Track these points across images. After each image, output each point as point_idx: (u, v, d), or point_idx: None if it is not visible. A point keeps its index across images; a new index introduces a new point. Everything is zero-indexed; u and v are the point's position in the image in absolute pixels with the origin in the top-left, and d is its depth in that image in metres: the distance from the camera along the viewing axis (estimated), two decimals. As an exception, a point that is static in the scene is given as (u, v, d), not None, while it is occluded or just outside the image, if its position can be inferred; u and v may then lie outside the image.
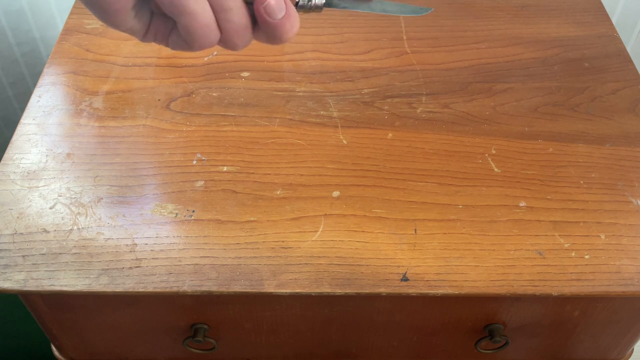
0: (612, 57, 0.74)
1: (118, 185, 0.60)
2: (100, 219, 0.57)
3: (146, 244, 0.56)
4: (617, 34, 0.77)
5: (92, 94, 0.68)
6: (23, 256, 0.54)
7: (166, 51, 0.73)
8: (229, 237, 0.56)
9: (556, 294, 0.54)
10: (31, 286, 0.53)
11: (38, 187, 0.59)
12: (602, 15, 0.80)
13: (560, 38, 0.76)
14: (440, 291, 0.53)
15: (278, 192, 0.60)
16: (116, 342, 0.64)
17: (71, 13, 0.78)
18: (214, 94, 0.69)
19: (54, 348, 0.67)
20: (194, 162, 0.62)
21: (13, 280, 0.53)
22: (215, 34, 0.36)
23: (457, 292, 0.54)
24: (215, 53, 0.73)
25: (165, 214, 0.58)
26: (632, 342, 0.65)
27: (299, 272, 0.54)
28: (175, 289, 0.53)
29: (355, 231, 0.57)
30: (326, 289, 0.53)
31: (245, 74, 0.71)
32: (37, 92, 0.68)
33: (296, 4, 0.38)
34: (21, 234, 0.56)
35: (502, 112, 0.68)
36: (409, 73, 0.71)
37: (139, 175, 0.61)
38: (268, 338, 0.63)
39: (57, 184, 0.60)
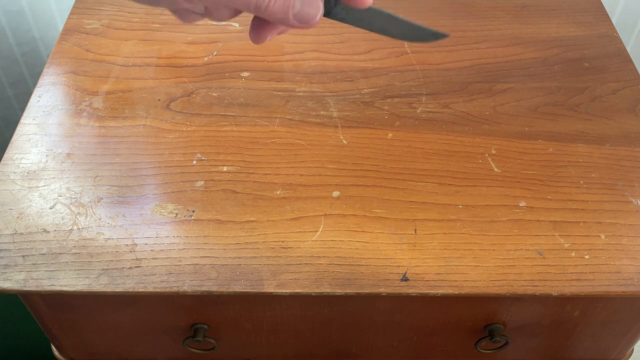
0: (612, 57, 0.74)
1: (118, 185, 0.60)
2: (100, 219, 0.57)
3: (146, 244, 0.56)
4: (617, 34, 0.77)
5: (92, 94, 0.68)
6: (23, 256, 0.54)
7: (166, 51, 0.73)
8: (229, 237, 0.56)
9: (556, 294, 0.54)
10: (31, 286, 0.53)
11: (38, 187, 0.59)
12: (602, 15, 0.80)
13: (560, 38, 0.76)
14: (440, 291, 0.53)
15: (278, 192, 0.60)
16: (116, 342, 0.64)
17: (71, 13, 0.78)
18: (214, 94, 0.69)
19: (54, 348, 0.67)
20: (194, 162, 0.62)
21: (13, 280, 0.53)
22: None
23: (457, 292, 0.54)
24: (215, 53, 0.73)
25: (165, 214, 0.58)
26: (632, 342, 0.65)
27: (299, 272, 0.54)
28: (175, 289, 0.53)
29: (355, 231, 0.57)
30: (326, 289, 0.53)
31: (245, 74, 0.71)
32: (37, 92, 0.68)
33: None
34: (21, 234, 0.56)
35: (502, 112, 0.68)
36: (409, 73, 0.71)
37: (139, 175, 0.61)
38: (268, 338, 0.63)
39: (57, 184, 0.60)
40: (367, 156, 0.63)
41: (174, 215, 0.58)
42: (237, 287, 0.53)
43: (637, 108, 0.69)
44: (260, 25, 0.40)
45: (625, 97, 0.70)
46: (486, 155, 0.63)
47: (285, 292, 0.53)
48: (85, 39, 0.74)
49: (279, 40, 0.74)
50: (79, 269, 0.54)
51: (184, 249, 0.55)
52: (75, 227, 0.56)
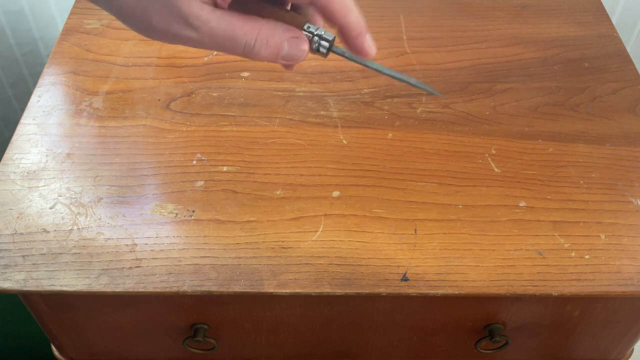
0: (612, 57, 0.74)
1: (118, 185, 0.60)
2: (100, 219, 0.57)
3: (146, 244, 0.56)
4: (617, 34, 0.77)
5: (92, 94, 0.68)
6: (23, 256, 0.54)
7: (166, 51, 0.73)
8: (229, 237, 0.56)
9: (556, 294, 0.54)
10: (31, 286, 0.53)
11: (38, 187, 0.59)
12: (602, 15, 0.80)
13: (560, 38, 0.76)
14: (440, 291, 0.53)
15: (278, 192, 0.60)
16: (116, 342, 0.64)
17: (71, 13, 0.78)
18: (214, 94, 0.69)
19: (54, 348, 0.67)
20: (194, 162, 0.62)
21: (13, 280, 0.53)
22: None
23: (457, 292, 0.54)
24: (215, 53, 0.73)
25: (165, 214, 0.58)
26: (632, 342, 0.65)
27: (299, 272, 0.54)
28: (175, 289, 0.53)
29: (355, 231, 0.57)
30: (326, 289, 0.53)
31: (245, 74, 0.71)
32: (37, 92, 0.68)
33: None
34: (21, 234, 0.56)
35: (502, 112, 0.68)
36: (409, 73, 0.71)
37: (139, 175, 0.61)
38: (268, 338, 0.63)
39: (57, 184, 0.60)
40: (367, 156, 0.63)
41: (174, 215, 0.58)
42: (237, 287, 0.53)
43: (637, 108, 0.69)
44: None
45: (625, 97, 0.70)
46: (486, 155, 0.63)
47: (285, 292, 0.53)
48: (85, 39, 0.74)
49: (279, 40, 0.74)
50: (79, 269, 0.54)
51: (184, 249, 0.55)
52: (75, 227, 0.56)
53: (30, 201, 0.58)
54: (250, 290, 0.53)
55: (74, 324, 0.61)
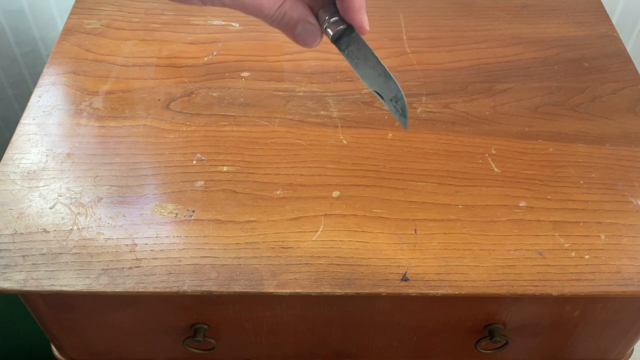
0: (612, 57, 0.74)
1: (118, 185, 0.60)
2: (100, 219, 0.57)
3: (146, 244, 0.56)
4: (617, 34, 0.77)
5: (92, 94, 0.68)
6: (23, 256, 0.54)
7: (166, 51, 0.73)
8: (229, 237, 0.56)
9: (556, 294, 0.54)
10: (31, 286, 0.53)
11: (38, 187, 0.59)
12: (602, 15, 0.80)
13: (560, 38, 0.76)
14: (440, 291, 0.53)
15: (278, 192, 0.60)
16: (116, 342, 0.64)
17: (71, 13, 0.78)
18: (214, 94, 0.69)
19: (54, 348, 0.67)
20: (194, 162, 0.62)
21: (13, 280, 0.53)
22: None
23: (457, 292, 0.54)
24: (215, 53, 0.73)
25: (165, 214, 0.58)
26: (632, 342, 0.65)
27: (299, 272, 0.54)
28: (175, 289, 0.53)
29: (355, 231, 0.57)
30: (326, 289, 0.53)
31: (245, 74, 0.71)
32: (37, 92, 0.68)
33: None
34: (21, 234, 0.56)
35: (502, 112, 0.68)
36: (409, 73, 0.71)
37: (139, 175, 0.61)
38: (268, 338, 0.63)
39: (57, 184, 0.60)
40: (367, 156, 0.63)
41: (174, 215, 0.58)
42: (237, 287, 0.53)
43: (637, 108, 0.69)
44: None
45: (625, 97, 0.70)
46: (486, 155, 0.63)
47: (285, 292, 0.53)
48: (85, 39, 0.74)
49: (279, 40, 0.74)
50: (79, 269, 0.54)
51: (184, 249, 0.55)
52: (75, 227, 0.56)
53: (30, 201, 0.58)
54: (250, 290, 0.53)
55: (74, 324, 0.61)
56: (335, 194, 0.60)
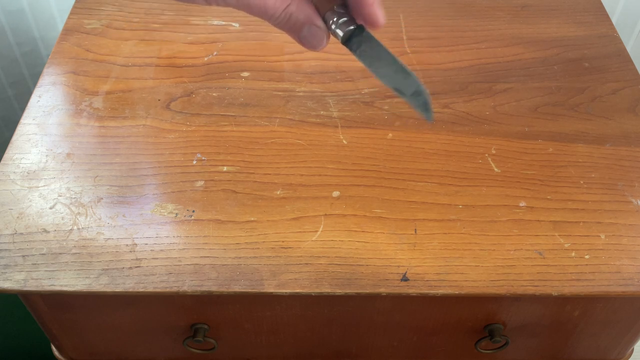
0: (612, 57, 0.74)
1: (118, 185, 0.60)
2: (100, 219, 0.57)
3: (146, 244, 0.56)
4: (617, 34, 0.77)
5: (92, 94, 0.68)
6: (23, 256, 0.54)
7: (166, 51, 0.73)
8: (229, 237, 0.56)
9: (556, 294, 0.54)
10: (31, 286, 0.53)
11: (38, 187, 0.59)
12: (602, 15, 0.80)
13: (560, 38, 0.76)
14: (440, 291, 0.53)
15: (278, 192, 0.60)
16: (116, 342, 0.64)
17: (71, 13, 0.78)
18: (214, 94, 0.69)
19: (54, 348, 0.67)
20: (194, 162, 0.62)
21: (13, 280, 0.53)
22: None
23: (457, 292, 0.54)
24: (215, 53, 0.73)
25: (165, 214, 0.58)
26: (632, 342, 0.65)
27: (299, 272, 0.54)
28: (175, 289, 0.53)
29: (355, 231, 0.57)
30: (326, 289, 0.53)
31: (245, 74, 0.71)
32: (37, 92, 0.68)
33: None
34: (21, 234, 0.56)
35: (502, 112, 0.68)
36: (409, 73, 0.71)
37: (139, 175, 0.61)
38: (268, 338, 0.63)
39: (57, 184, 0.60)
40: (367, 156, 0.63)
41: (174, 215, 0.58)
42: (237, 287, 0.53)
43: (637, 108, 0.69)
44: None
45: (625, 97, 0.70)
46: (486, 155, 0.63)
47: (285, 292, 0.53)
48: (85, 39, 0.74)
49: (279, 40, 0.74)
50: (79, 269, 0.54)
51: (184, 249, 0.55)
52: (75, 227, 0.56)
53: (30, 201, 0.58)
54: (250, 290, 0.53)
55: (74, 324, 0.61)
56: (335, 194, 0.60)
